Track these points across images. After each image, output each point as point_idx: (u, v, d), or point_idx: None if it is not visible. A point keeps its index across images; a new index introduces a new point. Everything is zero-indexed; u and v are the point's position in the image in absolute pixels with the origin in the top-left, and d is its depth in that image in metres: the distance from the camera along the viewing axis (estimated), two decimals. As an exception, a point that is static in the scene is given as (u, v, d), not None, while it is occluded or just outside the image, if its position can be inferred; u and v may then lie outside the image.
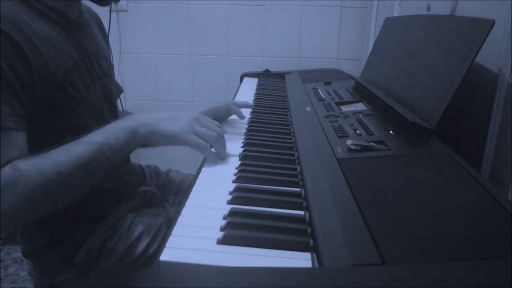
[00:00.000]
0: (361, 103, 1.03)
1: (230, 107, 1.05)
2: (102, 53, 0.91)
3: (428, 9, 1.11)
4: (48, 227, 0.82)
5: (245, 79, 1.59)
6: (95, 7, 0.92)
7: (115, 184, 0.89)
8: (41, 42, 0.71)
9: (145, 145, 0.76)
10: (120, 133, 0.71)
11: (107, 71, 0.92)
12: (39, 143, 0.71)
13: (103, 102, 0.89)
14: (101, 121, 0.87)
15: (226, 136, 0.79)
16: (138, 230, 0.86)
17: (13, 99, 0.64)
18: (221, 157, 0.77)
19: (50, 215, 0.67)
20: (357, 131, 0.81)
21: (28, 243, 0.85)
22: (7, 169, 0.60)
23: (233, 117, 1.08)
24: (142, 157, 1.46)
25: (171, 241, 0.51)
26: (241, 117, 1.04)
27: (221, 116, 1.05)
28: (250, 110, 1.11)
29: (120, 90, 1.07)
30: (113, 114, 0.95)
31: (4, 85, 0.63)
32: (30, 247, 0.85)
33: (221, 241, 0.51)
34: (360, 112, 0.95)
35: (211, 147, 0.76)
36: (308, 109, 1.04)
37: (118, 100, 1.99)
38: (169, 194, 1.06)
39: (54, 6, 0.77)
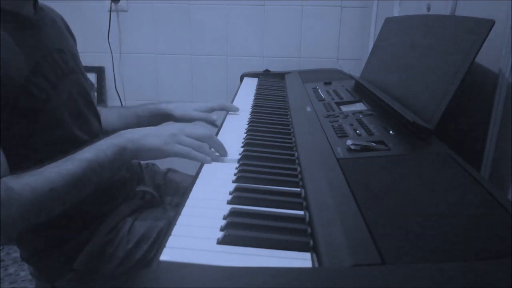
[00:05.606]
0: (361, 103, 1.03)
1: (223, 103, 1.14)
2: (68, 49, 0.88)
3: (428, 9, 1.11)
4: (46, 232, 0.81)
5: (245, 79, 1.59)
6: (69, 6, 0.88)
7: (110, 180, 0.86)
8: None
9: (134, 159, 0.78)
10: (109, 150, 0.73)
11: (75, 67, 0.89)
12: (15, 151, 0.70)
13: (77, 97, 0.86)
14: (79, 117, 0.85)
15: (226, 136, 0.79)
16: (138, 234, 0.85)
17: None
18: (207, 160, 0.76)
19: (46, 221, 0.67)
20: (357, 131, 0.81)
21: (26, 248, 0.84)
22: None
23: (233, 117, 1.08)
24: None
25: (171, 241, 0.51)
26: (235, 109, 1.12)
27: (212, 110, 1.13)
28: (249, 110, 1.11)
29: (90, 85, 1.04)
30: (91, 108, 0.92)
31: None
32: (28, 252, 0.84)
33: (221, 241, 0.51)
34: (360, 112, 0.95)
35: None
36: (308, 109, 1.04)
37: (118, 97, 1.98)
38: (166, 195, 1.05)
39: (4, 6, 0.73)
